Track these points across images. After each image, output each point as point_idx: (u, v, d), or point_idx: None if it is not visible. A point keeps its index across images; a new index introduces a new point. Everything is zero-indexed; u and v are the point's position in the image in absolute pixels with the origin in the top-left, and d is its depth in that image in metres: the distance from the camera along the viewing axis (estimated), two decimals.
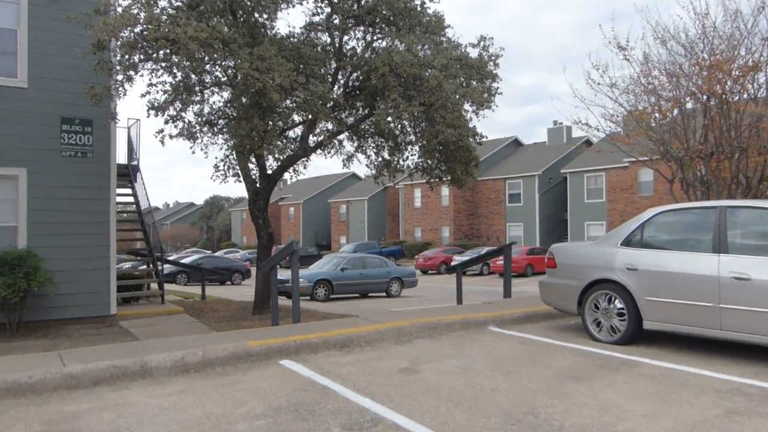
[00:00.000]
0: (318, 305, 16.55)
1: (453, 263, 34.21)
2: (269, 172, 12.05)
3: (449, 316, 7.70)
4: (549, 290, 7.65)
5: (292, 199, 67.21)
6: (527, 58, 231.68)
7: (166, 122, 8.72)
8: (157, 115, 8.49)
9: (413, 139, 11.61)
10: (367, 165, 14.26)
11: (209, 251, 67.83)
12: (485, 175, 45.82)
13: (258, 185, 11.83)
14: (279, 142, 13.09)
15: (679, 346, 6.45)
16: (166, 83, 8.91)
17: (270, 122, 9.26)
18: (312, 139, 12.65)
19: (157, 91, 8.83)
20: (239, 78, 8.44)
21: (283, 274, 20.87)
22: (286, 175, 15.29)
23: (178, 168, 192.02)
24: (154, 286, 14.88)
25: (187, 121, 9.37)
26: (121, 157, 15.37)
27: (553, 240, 42.79)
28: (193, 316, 11.85)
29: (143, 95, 8.82)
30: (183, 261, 29.85)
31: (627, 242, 6.76)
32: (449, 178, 12.03)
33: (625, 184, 36.57)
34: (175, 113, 8.88)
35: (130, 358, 5.49)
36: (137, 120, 15.56)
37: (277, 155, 10.31)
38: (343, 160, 14.68)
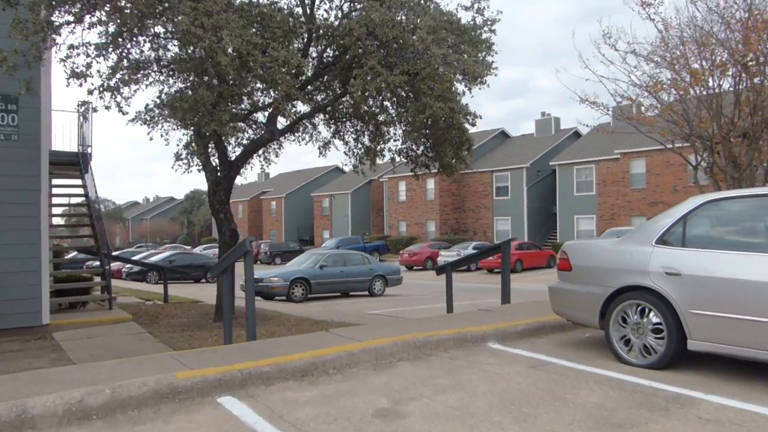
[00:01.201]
0: (293, 307, 15.07)
1: (440, 259, 32.80)
2: (231, 158, 10.53)
3: (440, 331, 6.26)
4: (562, 298, 6.24)
5: (273, 193, 65.48)
6: (510, 51, 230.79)
7: (90, 92, 7.19)
8: (80, 84, 6.94)
9: (395, 118, 10.11)
10: (345, 152, 12.82)
11: (189, 247, 66.04)
12: (472, 167, 44.43)
13: (219, 174, 10.30)
14: (241, 123, 11.62)
15: (734, 372, 5.08)
16: (90, 45, 7.36)
17: (223, 96, 7.73)
18: (284, 122, 11.15)
19: (79, 54, 7.27)
20: (179, 38, 6.93)
21: (259, 272, 19.39)
22: (258, 165, 13.80)
23: (160, 162, 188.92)
24: (122, 284, 13.33)
25: (122, 93, 7.77)
26: (71, 144, 13.85)
27: (541, 234, 41.68)
28: (143, 325, 10.33)
29: (62, 60, 7.27)
30: (153, 258, 28.19)
31: (664, 240, 5.36)
32: (437, 166, 10.58)
33: (617, 176, 35.42)
34: (103, 83, 7.32)
35: (4, 403, 3.99)
36: (89, 103, 13.95)
37: (230, 135, 8.80)
38: (319, 148, 13.26)
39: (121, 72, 8.06)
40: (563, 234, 38.38)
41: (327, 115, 12.04)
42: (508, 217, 41.91)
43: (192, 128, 10.03)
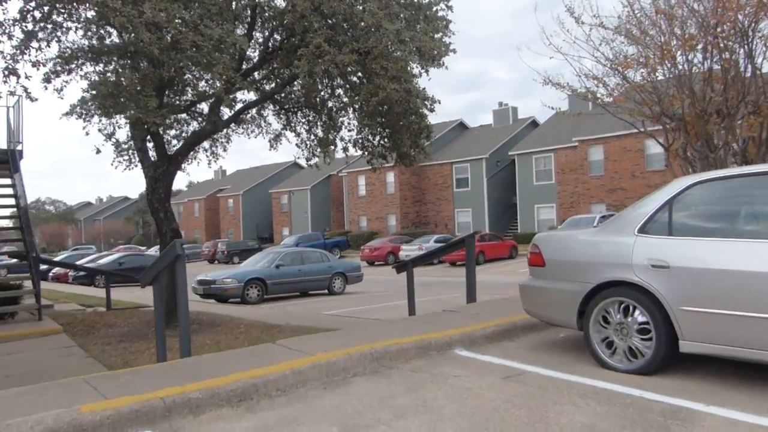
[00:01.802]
0: (246, 310, 14.19)
1: (402, 253, 32.18)
2: (171, 153, 9.61)
3: (400, 339, 5.56)
4: (535, 297, 5.61)
5: (231, 191, 63.89)
6: (466, 43, 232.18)
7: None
8: None
9: (347, 104, 9.33)
10: (297, 145, 12.01)
11: (144, 248, 63.97)
12: (431, 159, 43.98)
13: (157, 170, 9.37)
14: (183, 115, 10.72)
15: (734, 378, 4.52)
16: None
17: (149, 79, 6.84)
18: (229, 113, 10.27)
19: None
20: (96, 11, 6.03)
21: (212, 273, 18.41)
22: (206, 161, 12.86)
23: (108, 162, 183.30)
24: (67, 289, 12.21)
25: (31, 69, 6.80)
26: None
27: (502, 225, 41.51)
28: (75, 337, 9.34)
29: None
30: (102, 260, 26.79)
31: (647, 228, 4.76)
32: (395, 156, 9.86)
33: (575, 164, 35.41)
34: (7, 65, 6.35)
35: None
36: (18, 96, 12.76)
37: (162, 126, 7.90)
38: (269, 141, 12.41)
39: (53, 62, 7.12)
40: (524, 224, 38.30)
41: (276, 105, 11.21)
42: (469, 208, 41.62)
43: (124, 119, 9.09)
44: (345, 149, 10.62)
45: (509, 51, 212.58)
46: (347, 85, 8.79)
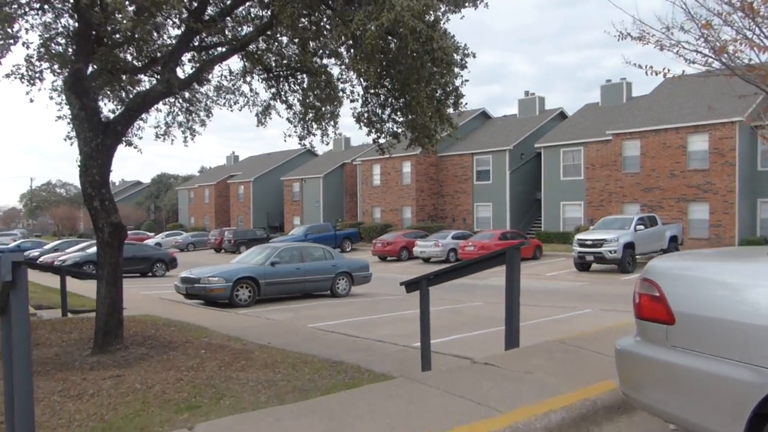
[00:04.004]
0: (228, 318, 11.91)
1: (416, 249, 29.75)
2: (109, 120, 7.29)
3: None
4: (648, 376, 3.20)
5: (242, 177, 61.83)
6: (489, 35, 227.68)
7: None
8: None
9: (334, 35, 6.63)
10: (289, 119, 9.66)
11: (153, 233, 62.26)
12: (451, 150, 41.49)
13: (90, 143, 7.04)
14: (141, 76, 8.40)
15: None
16: None
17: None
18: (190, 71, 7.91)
19: None
20: None
21: (196, 270, 16.13)
22: (181, 138, 10.62)
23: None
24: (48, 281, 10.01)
25: None
26: None
27: (524, 222, 38.85)
28: None
29: None
30: (89, 250, 24.67)
31: None
32: (410, 132, 7.43)
33: (607, 159, 32.66)
34: None
35: None
36: None
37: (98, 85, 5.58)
38: (256, 115, 10.11)
39: None
40: (548, 222, 35.70)
41: (260, 66, 8.84)
42: (490, 203, 39.05)
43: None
44: (331, 126, 8.23)
45: (531, 44, 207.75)
46: (335, 14, 6.17)
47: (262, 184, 59.32)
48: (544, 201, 36.26)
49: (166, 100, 10.41)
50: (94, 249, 24.65)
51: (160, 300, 15.13)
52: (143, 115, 8.44)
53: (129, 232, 60.42)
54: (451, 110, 6.99)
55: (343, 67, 8.28)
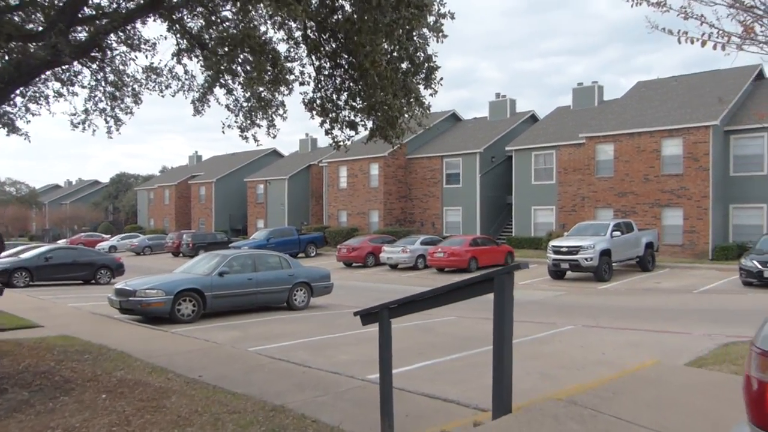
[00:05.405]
0: (161, 340, 10.27)
1: (383, 255, 28.30)
2: None
3: None
4: None
5: (204, 178, 59.58)
6: (456, 40, 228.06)
7: None
8: None
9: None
10: (228, 106, 8.16)
11: (110, 235, 59.58)
12: (420, 152, 40.26)
13: None
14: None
15: None
16: None
17: None
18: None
19: None
20: None
21: (133, 282, 14.39)
22: (104, 127, 9.07)
23: (97, 144, 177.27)
24: None
25: None
26: None
27: (495, 227, 37.71)
28: None
29: None
30: (28, 253, 22.57)
31: None
32: (370, 122, 6.01)
33: (580, 163, 31.78)
34: None
35: None
36: None
37: None
38: (193, 101, 8.57)
39: None
40: (519, 227, 34.68)
41: (194, 42, 7.32)
42: (459, 207, 37.89)
43: None
44: (281, 116, 6.77)
45: (499, 50, 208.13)
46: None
47: (225, 186, 57.24)
48: (515, 205, 35.24)
49: (86, 82, 8.86)
50: (30, 254, 22.66)
51: (91, 315, 13.37)
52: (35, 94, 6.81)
53: (84, 233, 57.64)
54: (422, 89, 5.60)
55: (291, 42, 6.81)
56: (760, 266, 17.45)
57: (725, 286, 18.66)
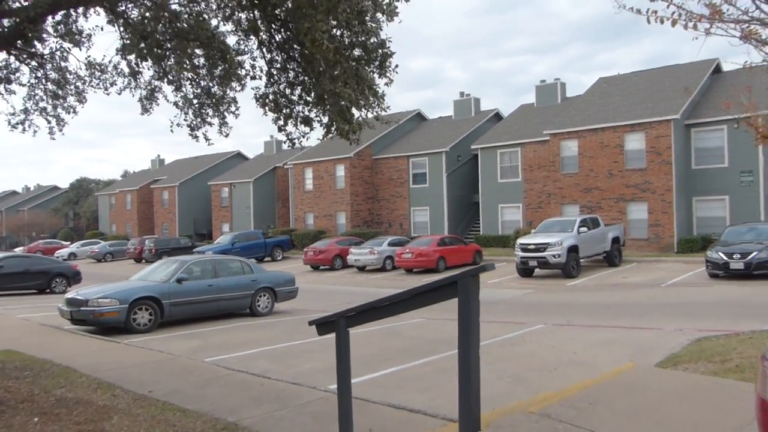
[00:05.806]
0: (113, 353, 9.68)
1: (351, 257, 27.88)
2: None
3: None
4: None
5: (166, 182, 58.24)
6: (421, 41, 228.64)
7: None
8: None
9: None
10: (177, 103, 7.67)
11: (70, 242, 57.86)
12: (386, 152, 39.94)
13: None
14: None
15: None
16: None
17: None
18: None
19: None
20: None
21: (84, 290, 13.68)
22: (44, 128, 8.54)
23: (60, 149, 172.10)
24: None
25: None
26: None
27: (463, 226, 37.58)
28: None
29: None
30: None
31: None
32: (325, 118, 5.62)
33: (545, 160, 31.86)
34: None
35: None
36: None
37: None
38: (140, 100, 8.06)
39: None
40: (486, 225, 34.62)
41: (137, 35, 6.82)
42: (427, 207, 37.69)
43: None
44: (233, 114, 6.35)
45: (463, 50, 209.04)
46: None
47: (189, 189, 56.04)
48: (482, 204, 35.18)
49: (25, 80, 8.32)
50: None
51: (40, 327, 12.66)
52: None
53: (42, 240, 55.75)
54: (377, 78, 5.25)
55: (241, 33, 6.38)
56: (726, 258, 17.56)
57: (692, 279, 18.76)
